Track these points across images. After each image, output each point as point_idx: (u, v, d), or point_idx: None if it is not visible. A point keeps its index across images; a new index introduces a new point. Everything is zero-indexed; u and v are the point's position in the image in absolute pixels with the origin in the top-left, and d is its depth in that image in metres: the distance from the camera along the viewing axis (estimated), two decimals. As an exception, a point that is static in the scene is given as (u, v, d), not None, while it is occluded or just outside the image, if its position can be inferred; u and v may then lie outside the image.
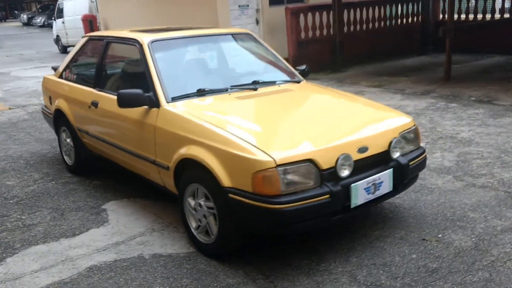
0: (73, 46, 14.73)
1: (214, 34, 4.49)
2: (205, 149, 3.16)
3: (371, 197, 3.19)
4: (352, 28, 11.45)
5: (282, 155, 2.89)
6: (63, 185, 4.91)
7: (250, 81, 4.05)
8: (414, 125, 3.63)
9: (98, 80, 4.52)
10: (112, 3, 14.38)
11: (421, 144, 3.80)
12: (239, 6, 10.90)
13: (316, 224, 3.10)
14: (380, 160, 3.28)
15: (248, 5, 11.03)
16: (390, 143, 3.30)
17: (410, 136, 3.57)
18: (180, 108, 3.54)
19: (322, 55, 10.84)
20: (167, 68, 3.89)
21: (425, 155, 3.67)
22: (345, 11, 11.17)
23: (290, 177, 2.89)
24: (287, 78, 4.31)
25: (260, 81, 4.07)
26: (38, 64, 15.83)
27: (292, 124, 3.45)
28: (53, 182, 5.02)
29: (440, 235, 3.50)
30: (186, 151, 3.28)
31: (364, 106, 3.99)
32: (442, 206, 3.97)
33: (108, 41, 4.54)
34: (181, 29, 4.51)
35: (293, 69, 4.50)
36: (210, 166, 3.08)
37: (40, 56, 18.65)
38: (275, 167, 2.84)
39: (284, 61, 4.55)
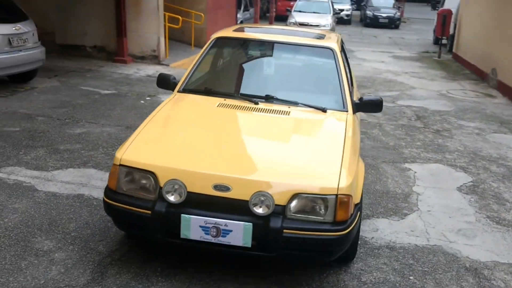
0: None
1: (287, 43, 4.38)
2: None
3: (211, 239, 2.92)
4: None
5: (129, 158, 3.09)
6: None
7: (269, 95, 3.94)
8: (333, 195, 2.88)
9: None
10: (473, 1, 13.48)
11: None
12: None
13: (141, 232, 3.16)
14: (243, 209, 2.90)
15: None
16: (253, 195, 2.85)
17: (313, 205, 2.90)
18: (170, 98, 3.97)
19: None
20: (207, 63, 4.29)
21: (334, 235, 2.88)
22: None
23: (132, 180, 3.07)
24: (316, 104, 3.86)
25: (274, 97, 3.91)
26: (394, 49, 16.63)
27: (194, 140, 3.37)
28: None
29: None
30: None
31: (310, 152, 3.29)
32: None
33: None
34: (275, 33, 4.62)
35: (347, 98, 3.92)
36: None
37: (418, 42, 19.25)
38: (118, 165, 3.09)
39: (346, 88, 3.99)
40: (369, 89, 9.89)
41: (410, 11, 34.30)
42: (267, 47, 4.43)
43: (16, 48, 7.33)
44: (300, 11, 18.24)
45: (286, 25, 17.72)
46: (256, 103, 3.82)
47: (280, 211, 2.89)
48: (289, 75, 4.32)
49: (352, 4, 29.30)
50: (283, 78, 4.29)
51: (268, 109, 3.76)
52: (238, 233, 2.89)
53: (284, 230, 2.85)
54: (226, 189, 2.91)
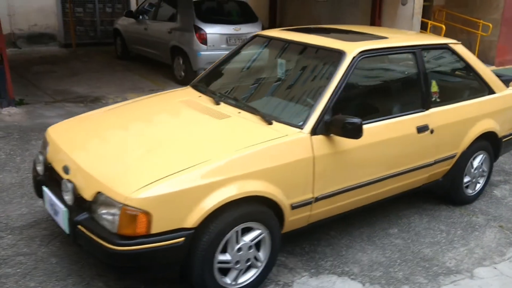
0: None
1: (301, 43, 3.68)
2: None
3: (54, 217, 3.02)
4: None
5: (49, 129, 3.48)
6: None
7: (237, 97, 3.60)
8: (120, 203, 2.51)
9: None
10: None
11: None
12: None
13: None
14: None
15: None
16: (62, 180, 2.82)
17: (114, 209, 2.58)
18: (173, 90, 4.10)
19: None
20: (229, 63, 4.13)
21: (108, 246, 2.52)
22: None
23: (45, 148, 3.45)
24: (277, 114, 3.23)
25: (241, 101, 3.49)
26: None
27: (103, 125, 3.45)
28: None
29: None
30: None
31: (172, 158, 2.83)
32: None
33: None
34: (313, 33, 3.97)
35: (314, 114, 3.04)
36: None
37: None
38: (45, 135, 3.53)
39: (322, 102, 3.08)
40: None
41: None
42: (286, 48, 3.82)
43: (232, 47, 8.34)
44: None
45: None
46: (218, 104, 3.50)
47: (88, 206, 2.73)
48: (288, 79, 3.68)
49: None
50: (279, 82, 3.67)
51: (218, 111, 3.37)
52: (61, 217, 2.89)
53: (78, 226, 2.70)
54: (67, 171, 2.95)
